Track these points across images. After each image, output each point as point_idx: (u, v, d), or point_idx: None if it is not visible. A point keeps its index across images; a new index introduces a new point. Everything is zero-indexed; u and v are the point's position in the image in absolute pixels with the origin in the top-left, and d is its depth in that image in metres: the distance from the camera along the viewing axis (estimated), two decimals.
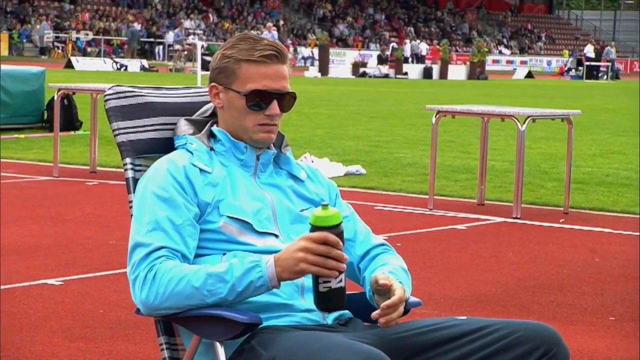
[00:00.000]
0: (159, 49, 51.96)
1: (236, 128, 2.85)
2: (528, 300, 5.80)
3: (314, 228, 2.57)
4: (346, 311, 2.81)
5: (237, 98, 2.82)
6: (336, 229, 2.56)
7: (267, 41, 2.83)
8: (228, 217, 2.75)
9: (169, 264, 2.65)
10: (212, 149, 2.86)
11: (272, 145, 2.90)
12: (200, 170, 2.79)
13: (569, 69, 59.23)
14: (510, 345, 2.64)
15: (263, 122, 2.81)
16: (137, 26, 50.42)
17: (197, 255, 2.74)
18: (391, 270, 2.80)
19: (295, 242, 2.58)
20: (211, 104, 2.96)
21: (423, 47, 56.39)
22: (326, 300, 2.60)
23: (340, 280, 2.58)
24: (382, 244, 2.96)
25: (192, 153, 2.83)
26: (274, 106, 2.81)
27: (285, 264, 2.58)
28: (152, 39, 52.96)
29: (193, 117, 2.97)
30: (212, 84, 2.87)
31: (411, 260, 6.47)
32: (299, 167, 2.95)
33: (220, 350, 2.64)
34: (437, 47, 54.86)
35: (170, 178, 2.75)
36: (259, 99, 2.80)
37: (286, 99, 2.84)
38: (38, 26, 49.78)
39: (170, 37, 52.92)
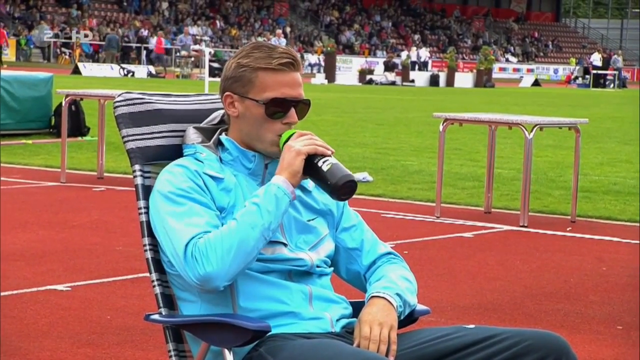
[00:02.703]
0: (144, 54, 51.81)
1: (252, 137, 2.84)
2: (535, 308, 5.79)
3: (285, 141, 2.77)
4: (354, 319, 2.81)
5: (254, 107, 2.81)
6: None
7: (282, 49, 2.82)
8: None
9: (206, 236, 2.65)
10: (220, 158, 2.85)
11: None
12: (213, 177, 2.79)
13: (576, 77, 59.21)
14: (519, 354, 2.64)
15: (281, 133, 2.81)
16: (115, 34, 50.09)
17: None
18: (385, 285, 2.80)
19: (284, 152, 2.73)
20: (220, 112, 2.96)
21: (423, 54, 56.36)
22: (335, 174, 2.67)
23: (336, 160, 2.72)
24: (389, 253, 2.96)
25: (202, 162, 2.83)
26: (292, 114, 2.81)
27: (286, 165, 2.69)
28: (139, 44, 52.86)
29: (201, 125, 2.96)
30: (227, 93, 2.85)
31: (418, 268, 6.48)
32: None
33: (229, 358, 2.64)
34: (444, 55, 54.85)
35: (189, 180, 2.76)
36: (277, 107, 2.80)
37: (300, 107, 2.84)
38: (36, 30, 49.68)
39: (153, 42, 52.83)
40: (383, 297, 2.76)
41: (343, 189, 2.67)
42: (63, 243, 7.21)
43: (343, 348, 2.55)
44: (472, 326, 2.75)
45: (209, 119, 2.98)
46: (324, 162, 2.69)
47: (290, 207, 2.83)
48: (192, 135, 2.90)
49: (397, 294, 2.79)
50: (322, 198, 2.93)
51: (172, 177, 2.77)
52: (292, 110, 2.81)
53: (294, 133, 2.77)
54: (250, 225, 2.64)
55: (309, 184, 2.92)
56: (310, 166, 2.71)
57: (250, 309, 2.71)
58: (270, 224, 2.65)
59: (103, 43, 49.62)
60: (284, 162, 2.70)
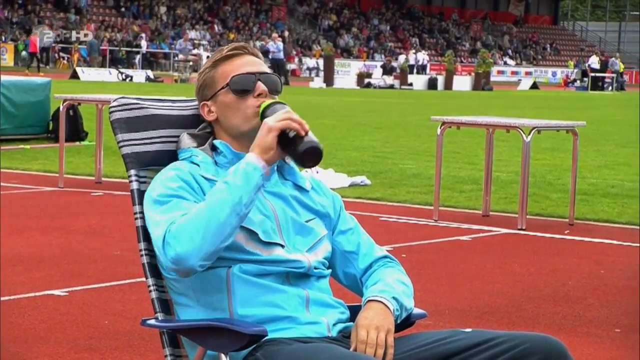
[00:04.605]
0: (138, 58, 51.78)
1: (237, 125, 2.83)
2: (533, 311, 5.79)
3: (263, 115, 2.75)
4: (351, 323, 2.81)
5: (224, 95, 2.85)
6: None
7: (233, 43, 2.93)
8: None
9: (178, 220, 2.63)
10: (215, 162, 2.85)
11: None
12: (208, 179, 2.79)
13: (574, 80, 59.23)
14: (516, 357, 2.63)
15: (257, 105, 2.82)
16: (94, 38, 49.97)
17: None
18: (382, 289, 2.79)
19: (260, 128, 2.69)
20: None
21: (421, 57, 56.39)
22: (300, 142, 2.67)
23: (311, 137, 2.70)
24: (385, 257, 2.96)
25: (198, 165, 2.83)
26: (260, 85, 2.83)
27: (258, 141, 2.66)
28: (129, 48, 52.85)
29: (196, 131, 2.96)
30: (202, 103, 2.91)
31: (416, 271, 6.47)
32: (303, 178, 2.95)
33: None
34: (442, 58, 54.91)
35: (180, 180, 2.76)
36: (241, 83, 2.83)
37: (265, 78, 2.85)
38: (37, 31, 49.59)
39: (144, 45, 52.82)
40: (380, 301, 2.76)
41: (306, 155, 2.67)
42: (61, 248, 7.21)
43: (340, 352, 2.55)
44: (468, 330, 2.75)
45: (202, 125, 2.98)
46: (293, 134, 2.70)
47: (288, 207, 2.83)
48: (187, 140, 2.91)
49: (394, 298, 2.78)
50: (319, 199, 2.93)
51: (163, 180, 2.77)
52: (259, 83, 2.83)
53: (270, 104, 2.77)
54: (219, 202, 2.61)
55: (307, 183, 2.93)
56: (283, 138, 2.70)
57: (246, 313, 2.70)
58: (240, 198, 2.62)
59: (102, 48, 49.69)
60: (257, 139, 2.68)
